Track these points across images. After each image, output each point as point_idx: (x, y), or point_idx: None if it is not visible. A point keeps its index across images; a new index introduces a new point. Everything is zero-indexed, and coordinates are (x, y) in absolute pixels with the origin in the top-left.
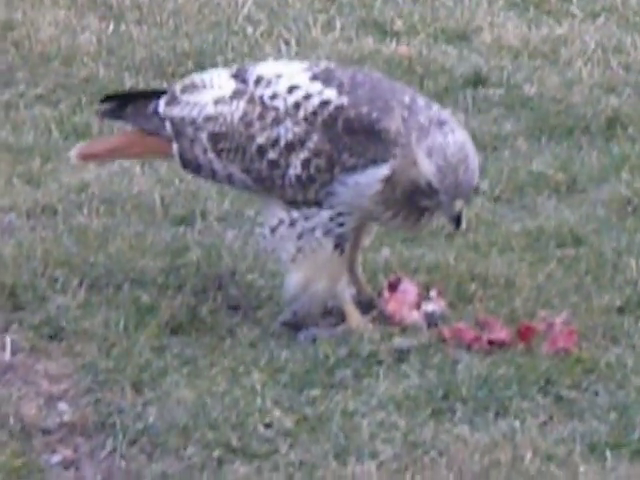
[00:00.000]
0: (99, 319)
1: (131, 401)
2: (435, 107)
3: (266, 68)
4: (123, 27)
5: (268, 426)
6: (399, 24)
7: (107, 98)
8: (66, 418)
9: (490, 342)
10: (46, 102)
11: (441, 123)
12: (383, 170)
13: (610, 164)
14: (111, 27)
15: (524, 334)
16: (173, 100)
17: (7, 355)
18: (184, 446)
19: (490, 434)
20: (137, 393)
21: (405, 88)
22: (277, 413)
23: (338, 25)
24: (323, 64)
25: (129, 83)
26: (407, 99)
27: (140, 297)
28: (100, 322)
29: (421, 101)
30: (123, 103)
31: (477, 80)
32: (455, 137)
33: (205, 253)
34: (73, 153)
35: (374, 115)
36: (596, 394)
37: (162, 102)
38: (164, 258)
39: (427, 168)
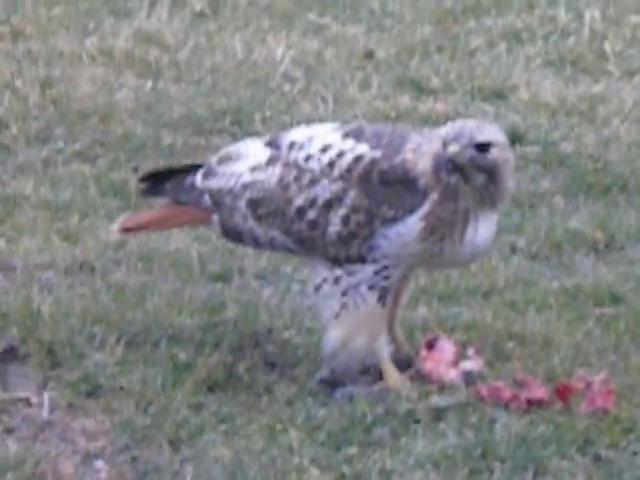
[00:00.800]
0: (136, 376)
1: (168, 459)
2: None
3: (298, 133)
4: (161, 84)
5: None
6: (436, 82)
7: (145, 177)
8: (103, 476)
9: (528, 401)
10: (84, 159)
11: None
12: (421, 211)
13: None
14: (149, 84)
15: (562, 393)
16: (210, 172)
17: (45, 412)
18: None
19: None
20: (174, 451)
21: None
22: (315, 472)
23: (375, 83)
24: (354, 123)
25: (167, 140)
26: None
27: (177, 354)
28: (137, 379)
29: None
30: (161, 179)
31: (514, 138)
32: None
33: (242, 310)
34: (116, 227)
35: (407, 164)
36: (635, 454)
37: (199, 175)
38: (201, 315)
39: (442, 131)
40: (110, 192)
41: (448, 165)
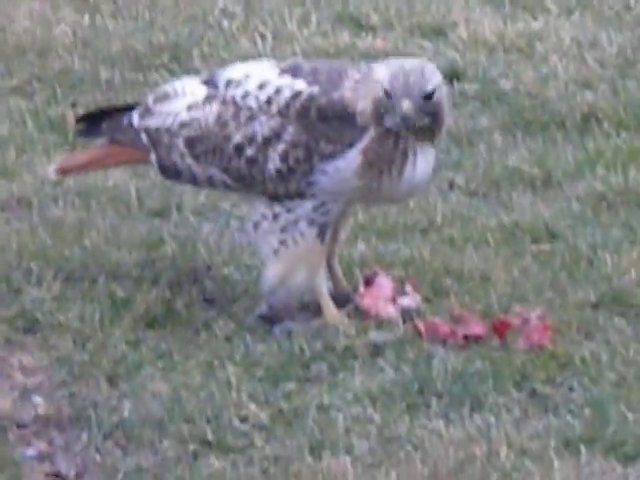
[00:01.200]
0: (74, 312)
1: (106, 394)
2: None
3: (235, 70)
4: (99, 20)
5: (243, 420)
6: (375, 18)
7: (81, 118)
8: (41, 411)
9: (465, 337)
10: (21, 94)
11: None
12: (359, 145)
13: (585, 159)
14: (86, 19)
15: (499, 329)
16: (147, 111)
17: None
18: (159, 440)
19: (465, 429)
20: (112, 386)
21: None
22: (252, 407)
23: (314, 19)
24: (290, 60)
25: (104, 75)
26: (360, 65)
27: (115, 290)
28: (75, 315)
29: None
30: (97, 120)
31: (453, 75)
32: (413, 60)
33: (181, 246)
34: (52, 168)
35: (345, 100)
36: (570, 389)
37: (136, 115)
38: (139, 251)
39: (382, 75)
40: (47, 127)
41: (398, 119)
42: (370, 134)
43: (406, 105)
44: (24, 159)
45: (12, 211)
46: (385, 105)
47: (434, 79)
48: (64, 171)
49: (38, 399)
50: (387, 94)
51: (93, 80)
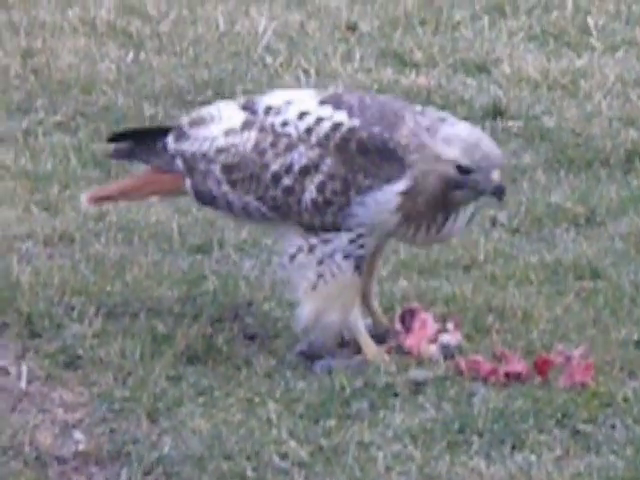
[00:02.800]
0: (115, 348)
1: (146, 431)
2: (433, 111)
3: (274, 98)
4: (143, 56)
5: (283, 457)
6: (418, 55)
7: (115, 137)
8: (81, 447)
9: (507, 375)
10: (65, 130)
11: (442, 119)
12: (399, 185)
13: (629, 197)
14: (130, 55)
15: (541, 367)
16: (182, 135)
17: (23, 383)
18: (199, 477)
19: (506, 468)
20: (152, 423)
21: (407, 103)
22: (292, 444)
23: (357, 56)
24: (330, 90)
25: (148, 112)
26: (411, 111)
27: (156, 326)
28: (116, 351)
29: (421, 109)
30: (132, 142)
31: (496, 112)
32: (462, 124)
33: (222, 282)
34: (84, 198)
35: (386, 134)
36: (613, 428)
37: (171, 138)
38: (181, 287)
39: (451, 153)
40: (91, 163)
41: (488, 190)
42: (411, 179)
43: (497, 175)
44: (67, 194)
45: (55, 246)
46: (459, 182)
47: (495, 144)
48: (96, 200)
49: (79, 435)
50: (466, 171)
51: (136, 116)
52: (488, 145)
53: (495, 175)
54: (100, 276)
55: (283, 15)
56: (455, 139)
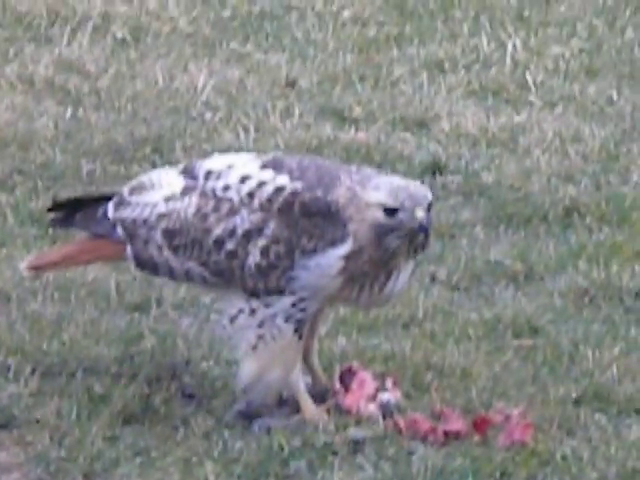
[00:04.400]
0: (51, 408)
1: None
2: (368, 169)
3: (214, 162)
4: (81, 112)
5: None
6: (358, 111)
7: (55, 206)
8: None
9: (446, 433)
10: (2, 187)
11: (376, 172)
12: (342, 249)
13: (567, 253)
14: (69, 112)
15: (480, 425)
16: (122, 203)
17: None
18: None
19: None
20: None
21: (341, 164)
22: None
23: (297, 111)
24: (270, 154)
25: (86, 168)
26: (346, 171)
27: (93, 386)
28: (52, 411)
29: (356, 168)
30: (72, 210)
31: (435, 168)
32: (395, 177)
33: (160, 341)
34: (23, 266)
35: (328, 197)
36: None
37: (111, 206)
38: (118, 346)
39: (378, 197)
40: (28, 221)
41: (414, 227)
42: (352, 243)
43: (420, 213)
44: (4, 253)
45: None
46: (387, 226)
47: (427, 190)
48: (36, 268)
49: None
50: (391, 212)
51: (75, 173)
52: (414, 187)
53: (419, 212)
54: (36, 335)
55: (222, 71)
56: (382, 185)
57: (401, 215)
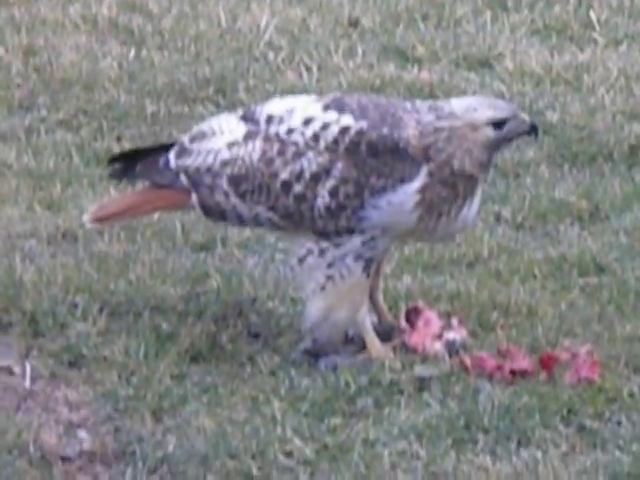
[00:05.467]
0: (119, 346)
1: (151, 429)
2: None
3: (275, 106)
4: (144, 53)
5: (288, 455)
6: (421, 50)
7: (114, 159)
8: (86, 446)
9: (512, 371)
10: (67, 128)
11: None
12: (415, 184)
13: (633, 192)
14: (132, 53)
15: (546, 363)
16: (183, 151)
17: (27, 382)
18: (204, 475)
19: (512, 464)
20: (157, 421)
21: (395, 100)
22: (297, 442)
23: (360, 51)
24: (329, 95)
25: (150, 109)
26: (407, 105)
27: (160, 325)
28: (120, 349)
29: (417, 102)
30: (132, 161)
31: None
32: (453, 100)
33: (225, 280)
34: (87, 218)
35: (395, 134)
36: (619, 424)
37: (172, 155)
38: (184, 285)
39: (484, 115)
40: (93, 161)
41: (526, 130)
42: (426, 174)
43: (523, 115)
44: (70, 193)
45: (58, 245)
46: (498, 139)
47: None
48: (99, 220)
49: (83, 434)
50: (501, 124)
51: (139, 113)
52: (496, 100)
53: (524, 115)
54: (104, 274)
55: (285, 11)
56: (472, 105)
57: (511, 124)
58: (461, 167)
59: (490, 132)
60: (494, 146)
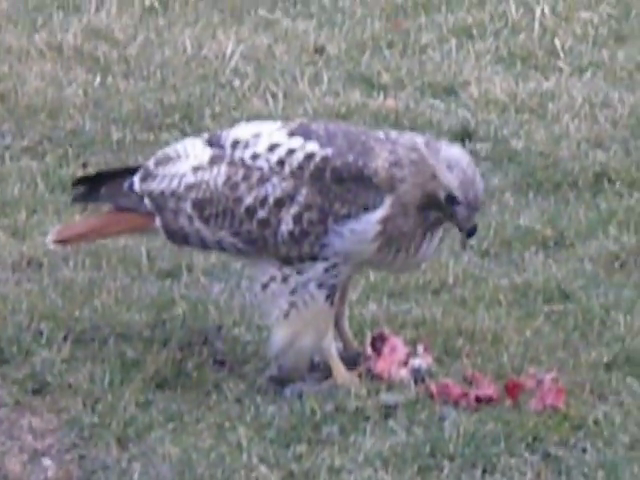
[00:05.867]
0: (84, 374)
1: (116, 457)
2: (407, 134)
3: (240, 131)
4: (110, 80)
5: None
6: (386, 78)
7: (78, 181)
8: (50, 474)
9: (477, 398)
10: (32, 155)
11: (435, 141)
12: (378, 213)
13: (597, 219)
14: (98, 80)
15: (512, 390)
16: (148, 175)
17: None
18: None
19: None
20: (122, 449)
21: (367, 129)
22: (263, 469)
23: (325, 79)
24: (296, 121)
25: (116, 135)
26: (380, 135)
27: (125, 352)
28: (85, 377)
29: (391, 132)
30: (96, 184)
31: (464, 134)
32: (460, 150)
33: (191, 307)
34: (49, 238)
35: (360, 162)
36: (584, 451)
37: (137, 178)
38: (150, 312)
39: (450, 180)
40: (59, 188)
41: (464, 225)
42: (390, 206)
43: (475, 219)
44: (35, 220)
45: (23, 272)
46: (441, 206)
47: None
48: (62, 241)
49: (48, 462)
50: (453, 200)
51: (104, 140)
52: (479, 185)
53: (475, 219)
54: (69, 301)
55: (250, 38)
56: (456, 167)
57: (461, 210)
58: (405, 205)
59: (442, 194)
60: (431, 205)
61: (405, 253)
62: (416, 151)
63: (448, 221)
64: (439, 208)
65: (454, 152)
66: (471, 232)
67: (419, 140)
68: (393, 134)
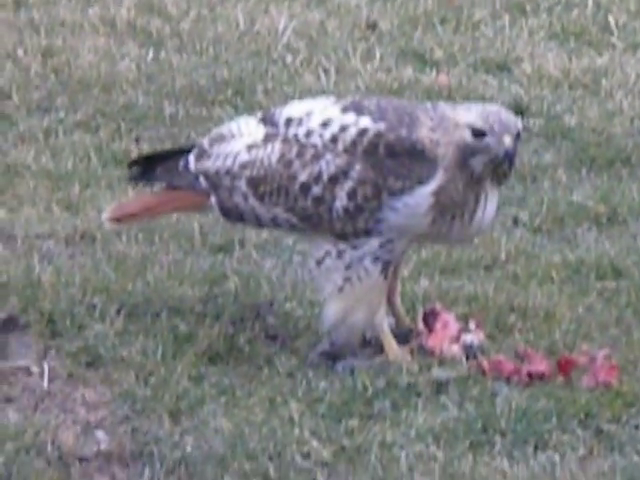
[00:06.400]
0: (137, 347)
1: (168, 430)
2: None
3: (294, 109)
4: (163, 55)
5: (306, 457)
6: (439, 54)
7: (134, 162)
8: (103, 446)
9: (529, 374)
10: (85, 129)
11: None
12: (431, 185)
13: None
14: (150, 55)
15: (564, 367)
16: (203, 154)
17: (45, 382)
18: (221, 476)
19: (529, 467)
20: (174, 422)
21: (415, 103)
22: (315, 444)
23: (378, 54)
24: (347, 97)
25: (168, 110)
26: (423, 109)
27: (178, 326)
28: (138, 350)
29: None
30: (151, 164)
31: (517, 110)
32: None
33: (243, 282)
34: (105, 217)
35: (413, 135)
36: (636, 428)
37: (192, 158)
38: (202, 287)
39: (467, 117)
40: (111, 162)
41: (499, 155)
42: (442, 176)
43: (508, 140)
44: (88, 194)
45: (76, 246)
46: (474, 148)
47: (517, 119)
48: (117, 219)
49: (101, 434)
50: (479, 134)
51: (157, 115)
52: (505, 114)
53: (507, 139)
54: (122, 275)
55: (303, 14)
56: (473, 107)
57: (488, 139)
58: (450, 173)
59: (467, 135)
60: (468, 152)
61: (460, 222)
62: (436, 110)
63: (489, 164)
64: (473, 152)
65: (474, 103)
66: (507, 156)
67: (431, 111)
68: (442, 105)
